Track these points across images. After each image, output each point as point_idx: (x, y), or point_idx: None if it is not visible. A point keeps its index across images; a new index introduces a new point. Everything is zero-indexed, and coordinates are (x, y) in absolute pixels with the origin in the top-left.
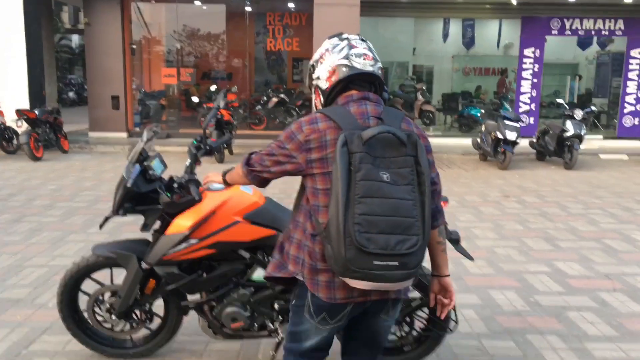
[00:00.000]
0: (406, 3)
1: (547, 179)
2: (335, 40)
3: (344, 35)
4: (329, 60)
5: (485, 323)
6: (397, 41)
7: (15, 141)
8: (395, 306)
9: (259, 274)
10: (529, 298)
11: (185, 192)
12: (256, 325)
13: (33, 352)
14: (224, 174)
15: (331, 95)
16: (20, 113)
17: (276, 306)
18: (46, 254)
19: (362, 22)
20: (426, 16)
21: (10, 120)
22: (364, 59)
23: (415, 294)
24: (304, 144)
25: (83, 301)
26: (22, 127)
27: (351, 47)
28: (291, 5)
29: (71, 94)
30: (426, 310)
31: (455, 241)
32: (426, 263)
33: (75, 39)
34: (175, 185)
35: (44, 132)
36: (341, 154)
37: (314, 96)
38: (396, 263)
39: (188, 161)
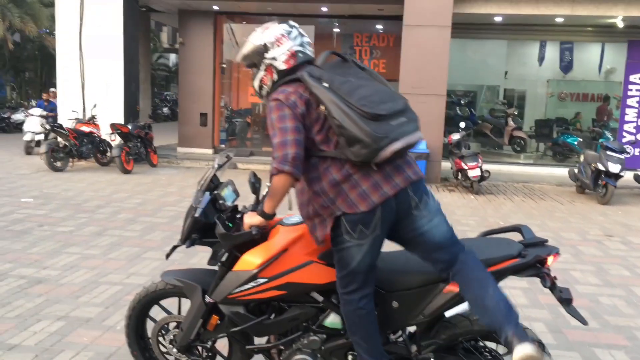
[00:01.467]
0: (500, 25)
1: None
2: (286, 26)
3: (291, 23)
4: (286, 45)
5: None
6: (488, 64)
7: (108, 154)
8: (419, 196)
9: (332, 320)
10: None
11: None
12: None
13: None
14: (260, 211)
15: (283, 74)
16: (114, 127)
17: (350, 357)
18: (122, 270)
19: (452, 44)
20: (520, 38)
21: (105, 133)
22: (310, 46)
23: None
24: (292, 105)
25: (151, 328)
26: (116, 140)
27: (302, 35)
28: (379, 26)
29: (165, 110)
30: None
31: (567, 301)
32: None
33: (172, 57)
34: (239, 215)
35: (135, 146)
36: (313, 80)
37: (262, 72)
38: (404, 119)
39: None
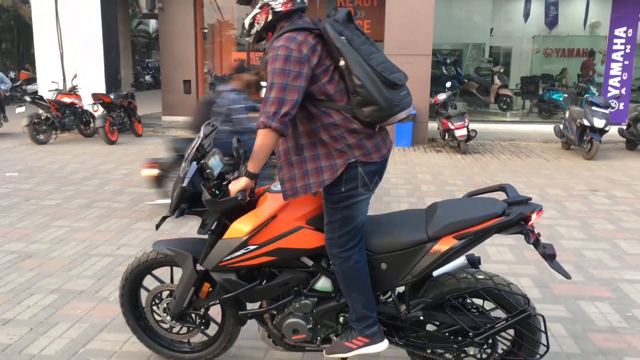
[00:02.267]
0: None
1: (639, 171)
2: None
3: None
4: None
5: (577, 341)
6: (473, 22)
7: (92, 124)
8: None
9: (323, 283)
10: (625, 312)
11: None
12: (319, 339)
13: (90, 352)
14: (245, 172)
15: (278, 17)
16: (96, 97)
17: (341, 319)
18: (112, 242)
19: (437, 2)
20: None
21: (87, 104)
22: None
23: (499, 313)
24: (302, 57)
25: (145, 297)
26: (98, 111)
27: None
28: None
29: (148, 78)
30: (511, 333)
31: (551, 256)
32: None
33: (152, 23)
34: (225, 183)
35: (119, 116)
36: (337, 34)
37: (257, 10)
38: (406, 91)
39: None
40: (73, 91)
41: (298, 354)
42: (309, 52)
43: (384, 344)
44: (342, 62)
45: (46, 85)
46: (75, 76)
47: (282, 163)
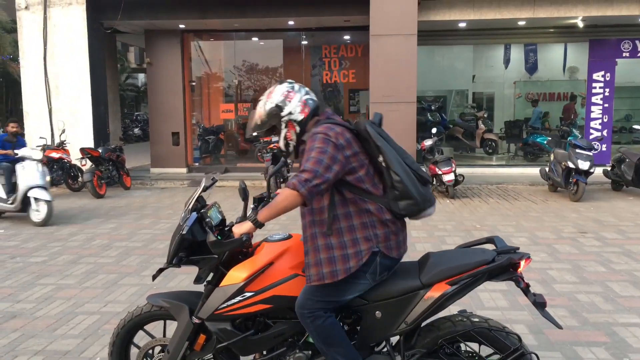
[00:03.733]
0: (464, 30)
1: (627, 212)
2: (287, 84)
3: (289, 80)
4: (296, 97)
5: None
6: (456, 69)
7: (80, 179)
8: None
9: None
10: (621, 356)
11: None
12: None
13: None
14: (253, 219)
15: (304, 123)
16: (84, 152)
17: None
18: (99, 299)
19: (419, 51)
20: (485, 42)
21: (75, 158)
22: (312, 93)
23: (489, 350)
24: (338, 145)
25: (134, 356)
26: (86, 165)
27: (301, 86)
28: (347, 37)
29: (137, 130)
30: None
31: (541, 305)
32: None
33: (141, 77)
34: (227, 228)
35: (107, 170)
36: (377, 133)
37: (284, 130)
38: (430, 189)
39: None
40: (61, 146)
41: None
42: (345, 143)
43: None
44: (381, 159)
45: (34, 141)
46: (63, 131)
47: (309, 247)
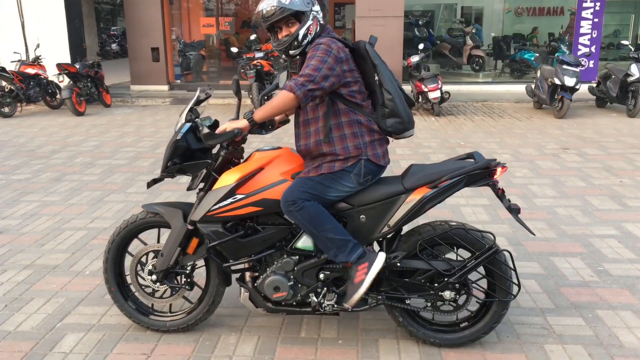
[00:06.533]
0: None
1: (609, 129)
2: None
3: None
4: (317, 6)
5: (550, 296)
6: None
7: (58, 96)
8: None
9: (304, 242)
10: (597, 266)
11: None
12: (299, 297)
13: (67, 326)
14: (249, 116)
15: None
16: (61, 67)
17: (321, 276)
18: (85, 215)
19: None
20: None
21: (52, 74)
22: None
23: (466, 254)
24: (338, 58)
25: (129, 265)
26: (64, 81)
27: None
28: None
29: (114, 46)
30: (482, 276)
31: (515, 211)
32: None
33: None
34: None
35: (86, 87)
36: (375, 53)
37: (310, 22)
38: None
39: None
40: (37, 61)
41: (278, 320)
42: (344, 57)
43: (381, 256)
44: (376, 77)
45: (8, 56)
46: (38, 46)
47: (303, 155)
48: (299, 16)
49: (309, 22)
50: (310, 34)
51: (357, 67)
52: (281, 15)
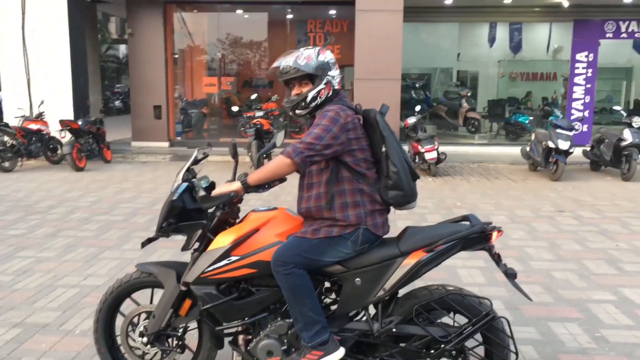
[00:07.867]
0: (450, 8)
1: (604, 192)
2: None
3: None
4: (337, 72)
5: None
6: (441, 47)
7: (59, 151)
8: None
9: None
10: (594, 332)
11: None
12: None
13: None
14: (242, 180)
15: (334, 95)
16: (63, 123)
17: None
18: (79, 272)
19: (405, 28)
20: (471, 21)
21: (54, 130)
22: None
23: (463, 319)
24: (344, 126)
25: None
26: (66, 137)
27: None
28: (332, 12)
29: (117, 103)
30: (479, 343)
31: (512, 275)
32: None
33: (122, 48)
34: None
35: (87, 143)
36: (384, 124)
37: (323, 86)
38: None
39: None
40: (40, 117)
41: None
42: (351, 126)
43: (339, 352)
44: (384, 149)
45: (12, 111)
46: (42, 102)
47: (304, 218)
48: (312, 78)
49: (321, 86)
50: (320, 97)
51: (366, 134)
52: (295, 74)
